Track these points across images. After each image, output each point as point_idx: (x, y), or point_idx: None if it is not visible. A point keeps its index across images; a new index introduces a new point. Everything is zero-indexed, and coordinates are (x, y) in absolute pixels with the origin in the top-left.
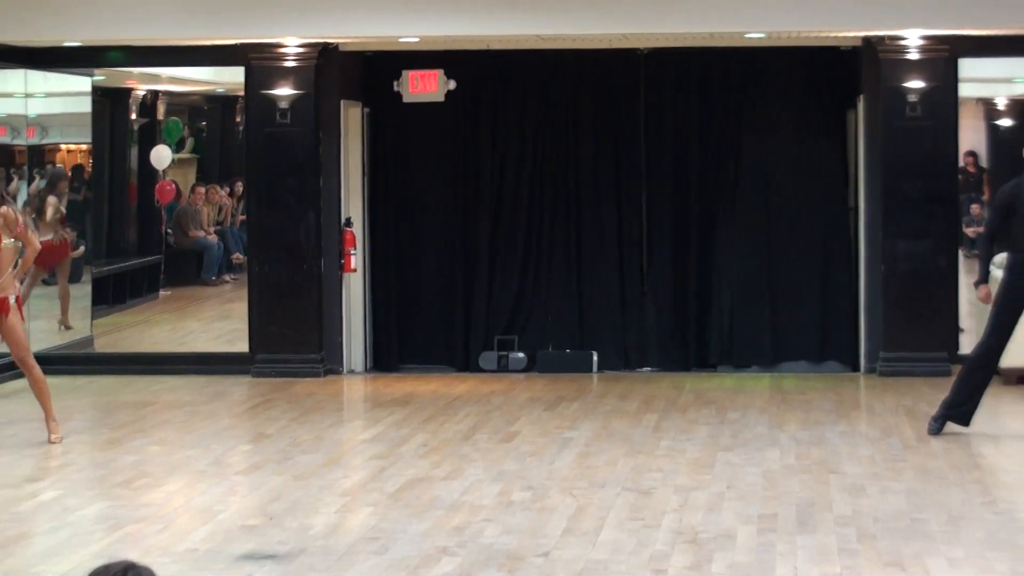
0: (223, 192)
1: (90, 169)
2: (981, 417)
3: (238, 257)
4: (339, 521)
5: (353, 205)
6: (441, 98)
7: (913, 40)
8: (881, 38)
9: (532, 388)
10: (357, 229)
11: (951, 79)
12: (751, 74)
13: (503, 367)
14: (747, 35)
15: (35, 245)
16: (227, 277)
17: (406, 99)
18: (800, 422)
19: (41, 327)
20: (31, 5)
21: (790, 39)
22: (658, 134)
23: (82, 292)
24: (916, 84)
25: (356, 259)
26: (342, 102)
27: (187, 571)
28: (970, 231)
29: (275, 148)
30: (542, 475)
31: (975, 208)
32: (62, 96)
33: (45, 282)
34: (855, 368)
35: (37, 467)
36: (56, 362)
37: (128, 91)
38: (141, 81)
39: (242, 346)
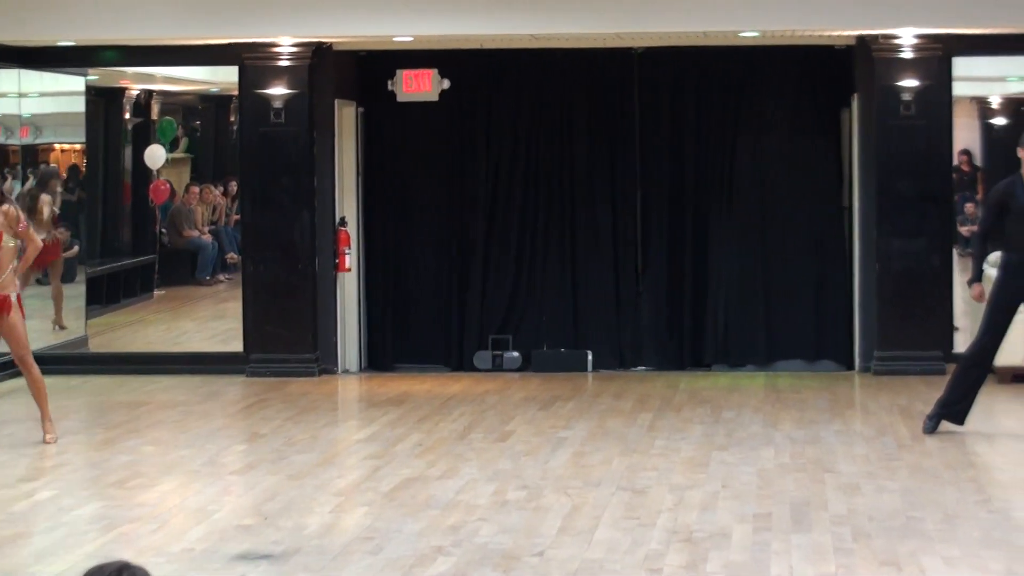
0: (217, 192)
1: (84, 169)
2: (976, 416)
3: (232, 257)
4: (334, 521)
5: (347, 204)
6: (435, 97)
7: (907, 39)
8: (875, 37)
9: (527, 387)
10: (351, 229)
11: (945, 78)
12: (745, 73)
13: (498, 366)
14: (741, 34)
15: (37, 243)
16: (221, 277)
17: (400, 98)
18: (795, 421)
19: (35, 327)
20: (25, 5)
21: (784, 38)
22: (653, 133)
23: (76, 292)
24: (910, 83)
25: (350, 259)
26: (336, 101)
27: (182, 571)
28: (964, 230)
29: (269, 148)
30: (537, 474)
31: (969, 207)
32: (56, 96)
33: (39, 282)
34: (850, 367)
35: (32, 467)
36: (50, 362)
37: (122, 91)
38: (135, 81)
39: (236, 346)
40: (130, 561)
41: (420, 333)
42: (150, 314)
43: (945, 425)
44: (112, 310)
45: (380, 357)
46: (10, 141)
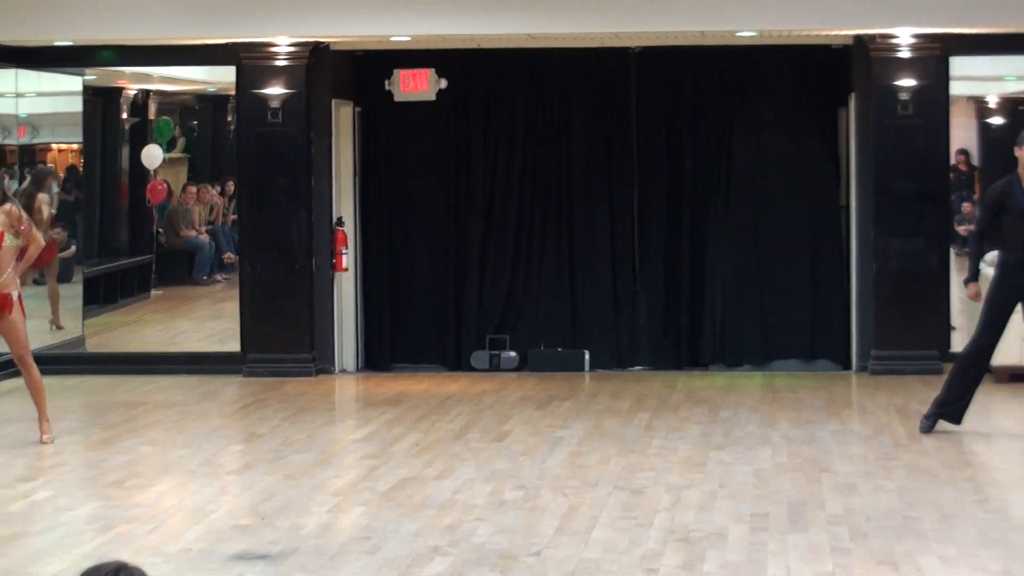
0: (214, 191)
1: (81, 169)
2: (973, 415)
3: (229, 257)
4: (331, 521)
5: (344, 204)
6: (432, 97)
7: (904, 38)
8: (872, 36)
9: (524, 387)
10: (349, 228)
11: (942, 77)
12: (743, 73)
13: (495, 366)
14: (738, 34)
15: (39, 242)
16: (218, 277)
17: (397, 98)
18: (792, 420)
19: (32, 327)
20: (22, 4)
21: (781, 37)
22: (650, 133)
23: (73, 292)
24: (907, 82)
25: (348, 258)
26: (333, 101)
27: (179, 571)
28: (962, 229)
29: (266, 147)
30: (534, 474)
31: (966, 206)
32: (53, 96)
33: (36, 282)
34: (847, 366)
35: (29, 467)
36: (47, 362)
37: (119, 90)
38: (132, 80)
39: (234, 346)
40: (127, 561)
41: (417, 333)
42: (147, 314)
43: (942, 424)
44: (109, 310)
45: (377, 357)
46: (7, 141)
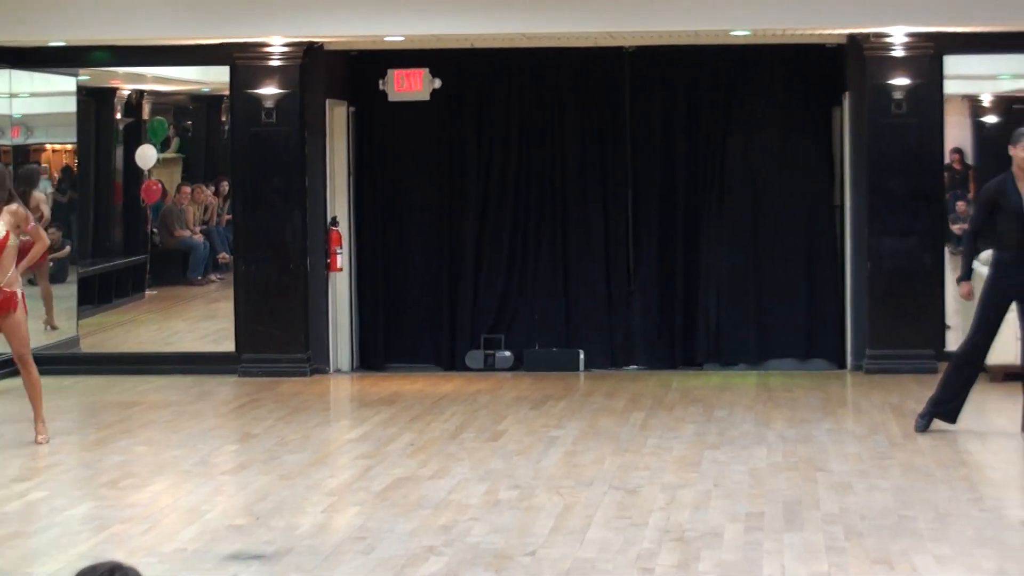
0: (209, 192)
1: (75, 169)
2: (967, 414)
3: (224, 257)
4: (326, 521)
5: (339, 204)
6: (426, 97)
7: (898, 37)
8: (866, 35)
9: (519, 387)
10: (343, 228)
11: (936, 76)
12: (737, 72)
13: (489, 366)
14: (732, 33)
15: (45, 240)
16: (213, 277)
17: (391, 98)
18: (787, 420)
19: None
20: (15, 5)
21: (775, 37)
22: (644, 132)
23: (67, 292)
24: (901, 81)
25: (342, 258)
26: (327, 101)
27: (173, 571)
28: (956, 228)
29: (260, 147)
30: (529, 474)
31: (961, 205)
32: (47, 96)
33: (31, 282)
34: (841, 365)
35: (24, 467)
36: (42, 362)
37: (113, 91)
38: (126, 81)
39: (228, 346)
40: (122, 561)
41: (412, 333)
42: (142, 314)
43: (937, 423)
44: (104, 310)
45: (372, 357)
46: (1, 141)
